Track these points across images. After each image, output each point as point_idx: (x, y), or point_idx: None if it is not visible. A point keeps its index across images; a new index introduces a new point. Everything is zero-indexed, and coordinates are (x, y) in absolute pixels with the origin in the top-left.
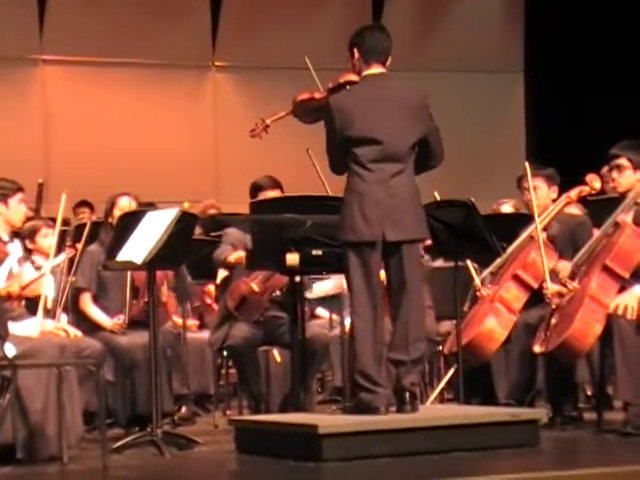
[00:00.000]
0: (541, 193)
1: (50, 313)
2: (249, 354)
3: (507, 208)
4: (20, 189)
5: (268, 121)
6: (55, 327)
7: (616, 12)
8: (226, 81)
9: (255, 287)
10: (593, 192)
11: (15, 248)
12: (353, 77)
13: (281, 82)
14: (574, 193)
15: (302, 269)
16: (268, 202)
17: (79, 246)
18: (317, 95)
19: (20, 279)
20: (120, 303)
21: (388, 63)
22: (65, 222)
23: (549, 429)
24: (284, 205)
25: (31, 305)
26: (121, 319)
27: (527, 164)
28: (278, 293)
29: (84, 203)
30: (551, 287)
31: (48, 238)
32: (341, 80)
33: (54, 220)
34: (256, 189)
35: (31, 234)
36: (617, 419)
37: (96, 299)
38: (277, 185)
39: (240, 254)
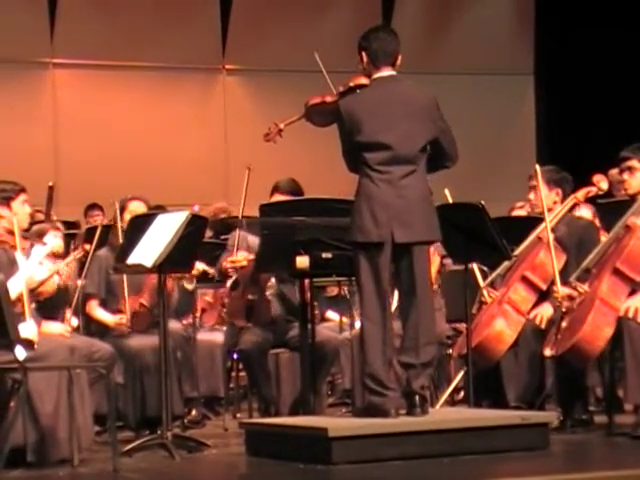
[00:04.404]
0: (542, 194)
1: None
2: (259, 358)
3: (521, 212)
4: (23, 190)
5: (282, 125)
6: (65, 330)
7: (626, 15)
8: (236, 84)
9: (251, 296)
10: (600, 192)
11: (36, 251)
12: (364, 80)
13: (291, 85)
14: (581, 194)
15: (312, 272)
16: (278, 205)
17: (87, 247)
18: (328, 99)
19: (30, 282)
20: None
21: (398, 63)
22: (74, 225)
23: (559, 432)
24: (294, 207)
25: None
26: (124, 318)
27: (537, 167)
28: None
29: (96, 206)
30: (561, 290)
31: (49, 239)
32: (352, 84)
33: (64, 223)
34: (274, 189)
35: (39, 236)
36: (628, 422)
37: (106, 303)
38: (291, 191)
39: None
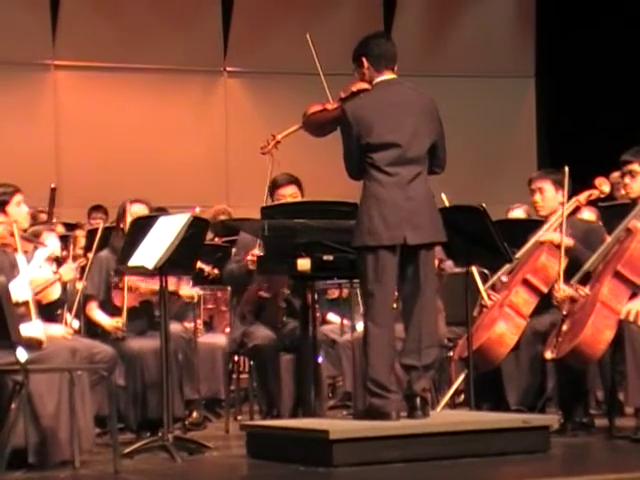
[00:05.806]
0: (548, 195)
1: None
2: (273, 355)
3: (519, 213)
4: (16, 190)
5: (279, 137)
6: (66, 332)
7: (628, 17)
8: (237, 86)
9: (265, 294)
10: (602, 196)
11: (39, 253)
12: (365, 85)
13: (292, 87)
14: (583, 197)
15: (313, 274)
16: (279, 207)
17: (90, 255)
18: (329, 106)
19: (34, 285)
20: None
21: (396, 69)
22: (76, 227)
23: (560, 435)
24: (295, 210)
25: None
26: (120, 322)
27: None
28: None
29: (99, 208)
30: (562, 288)
31: (49, 241)
32: (354, 89)
33: (66, 225)
34: (273, 186)
35: (34, 238)
36: (628, 425)
37: (106, 305)
38: (293, 181)
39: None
